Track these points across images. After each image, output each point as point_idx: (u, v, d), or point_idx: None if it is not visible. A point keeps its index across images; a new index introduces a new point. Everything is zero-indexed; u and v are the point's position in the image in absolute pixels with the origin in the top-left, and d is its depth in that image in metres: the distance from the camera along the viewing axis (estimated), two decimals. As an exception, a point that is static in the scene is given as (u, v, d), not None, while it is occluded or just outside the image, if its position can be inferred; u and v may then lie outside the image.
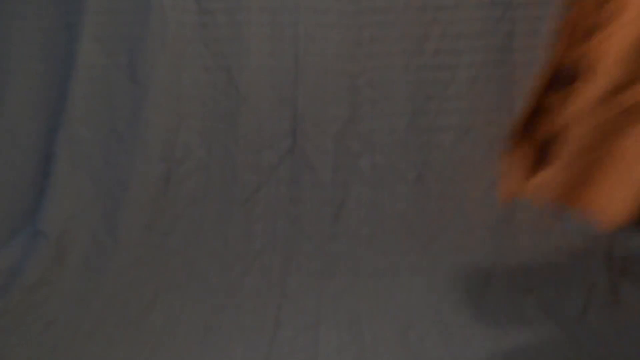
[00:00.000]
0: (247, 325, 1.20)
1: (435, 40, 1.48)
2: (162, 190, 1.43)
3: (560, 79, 0.74)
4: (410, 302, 1.28)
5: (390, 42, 1.50)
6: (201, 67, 1.49)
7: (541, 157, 0.73)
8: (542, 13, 1.47)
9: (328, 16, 1.51)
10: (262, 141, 1.47)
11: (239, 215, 1.42)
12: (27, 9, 1.51)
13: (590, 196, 0.65)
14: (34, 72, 1.50)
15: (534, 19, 1.47)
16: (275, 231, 1.41)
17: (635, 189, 0.62)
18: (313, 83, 1.49)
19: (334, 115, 1.48)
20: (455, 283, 1.34)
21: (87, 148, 1.44)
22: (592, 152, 0.64)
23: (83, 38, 1.44)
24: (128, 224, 1.39)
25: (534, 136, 0.76)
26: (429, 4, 1.49)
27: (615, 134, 0.63)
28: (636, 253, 1.38)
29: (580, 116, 0.66)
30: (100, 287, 1.28)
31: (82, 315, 1.20)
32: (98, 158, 1.44)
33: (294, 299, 1.30)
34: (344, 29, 1.50)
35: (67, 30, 1.49)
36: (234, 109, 1.48)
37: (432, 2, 1.48)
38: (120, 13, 1.47)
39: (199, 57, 1.49)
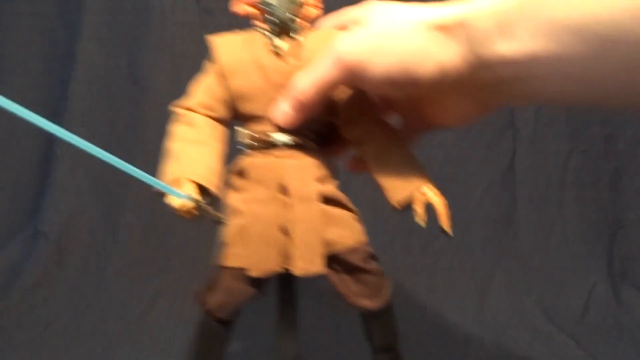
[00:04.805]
0: (247, 325, 1.20)
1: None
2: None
3: None
4: (411, 302, 1.28)
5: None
6: (201, 67, 1.49)
7: None
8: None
9: (328, 16, 1.51)
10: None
11: (239, 215, 1.42)
12: (27, 9, 1.51)
13: None
14: (34, 72, 1.50)
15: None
16: (275, 231, 1.40)
17: None
18: (313, 83, 1.48)
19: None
20: (455, 283, 1.34)
21: (87, 148, 1.44)
22: None
23: (83, 38, 1.44)
24: (128, 224, 1.38)
25: None
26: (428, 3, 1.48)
27: None
28: (636, 253, 1.38)
29: None
30: (100, 287, 1.28)
31: (82, 315, 1.19)
32: (98, 158, 1.44)
33: (294, 299, 1.29)
34: (344, 29, 1.50)
35: (67, 30, 1.48)
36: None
37: (432, 1, 1.48)
38: (120, 13, 1.46)
39: (199, 57, 1.48)
